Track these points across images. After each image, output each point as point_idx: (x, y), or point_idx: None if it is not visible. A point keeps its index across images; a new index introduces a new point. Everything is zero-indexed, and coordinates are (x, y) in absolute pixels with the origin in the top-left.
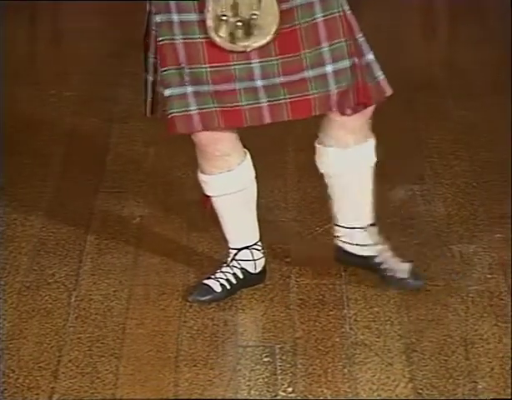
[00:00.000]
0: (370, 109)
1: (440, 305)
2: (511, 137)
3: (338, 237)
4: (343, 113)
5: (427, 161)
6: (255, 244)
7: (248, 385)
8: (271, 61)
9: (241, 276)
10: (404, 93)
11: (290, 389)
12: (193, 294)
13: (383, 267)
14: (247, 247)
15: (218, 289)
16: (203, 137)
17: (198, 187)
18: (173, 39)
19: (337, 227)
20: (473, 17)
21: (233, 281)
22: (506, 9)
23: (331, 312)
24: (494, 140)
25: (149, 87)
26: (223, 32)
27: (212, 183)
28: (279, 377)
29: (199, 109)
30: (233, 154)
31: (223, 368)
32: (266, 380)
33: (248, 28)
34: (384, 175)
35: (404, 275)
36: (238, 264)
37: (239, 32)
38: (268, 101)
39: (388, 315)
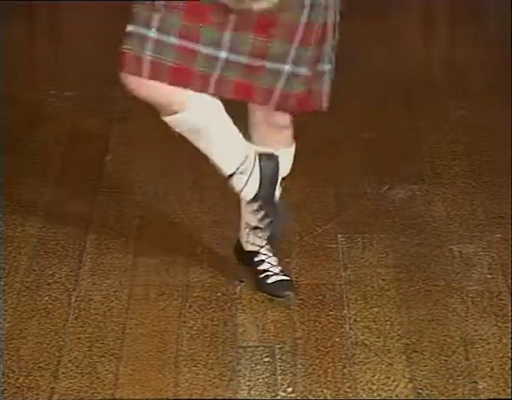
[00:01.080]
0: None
1: (440, 305)
2: (511, 137)
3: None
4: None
5: (426, 161)
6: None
7: (248, 385)
8: (246, 37)
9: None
10: (403, 93)
11: (290, 389)
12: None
13: (259, 268)
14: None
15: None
16: (133, 81)
17: (197, 186)
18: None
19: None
20: (472, 17)
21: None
22: (506, 9)
23: (331, 313)
24: (493, 140)
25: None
26: None
27: (180, 121)
28: (279, 378)
29: (153, 57)
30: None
31: (223, 368)
32: (266, 380)
33: None
34: (384, 175)
35: (272, 281)
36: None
37: None
38: (220, 73)
39: (388, 315)
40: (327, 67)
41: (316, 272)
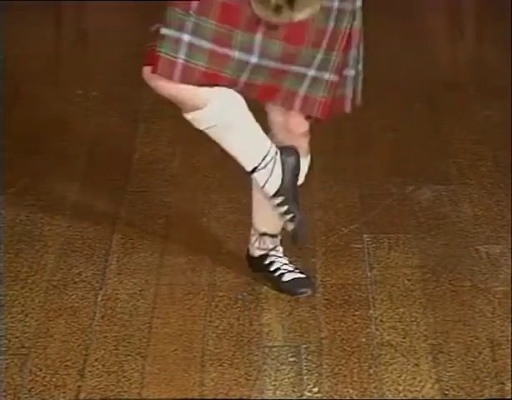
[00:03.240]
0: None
1: (466, 306)
2: None
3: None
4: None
5: (452, 161)
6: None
7: (274, 385)
8: (275, 42)
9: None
10: (429, 93)
11: (316, 389)
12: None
13: (271, 268)
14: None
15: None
16: (160, 80)
17: (224, 187)
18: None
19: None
20: (499, 17)
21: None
22: None
23: (357, 313)
24: None
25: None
26: (268, 1)
27: (203, 116)
28: (305, 378)
29: (186, 60)
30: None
31: (249, 368)
32: (292, 380)
33: (292, 1)
34: (410, 175)
35: (287, 279)
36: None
37: (283, 3)
38: (248, 77)
39: (414, 315)
40: (351, 72)
41: (342, 272)
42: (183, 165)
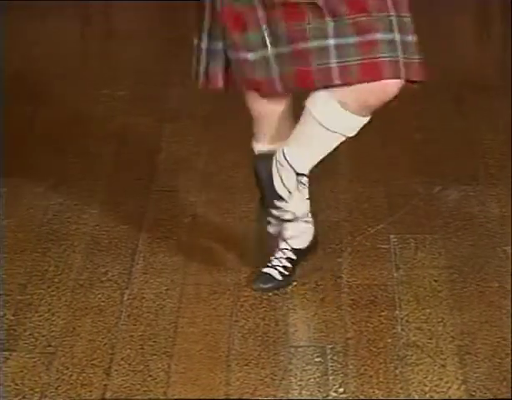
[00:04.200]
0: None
1: (494, 307)
2: None
3: (276, 158)
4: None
5: (480, 161)
6: (302, 216)
7: (300, 385)
8: (343, 20)
9: (294, 257)
10: (456, 93)
11: (341, 390)
12: (255, 282)
13: (277, 213)
14: (294, 220)
15: (279, 277)
16: (262, 109)
17: (249, 186)
18: (250, 2)
19: (281, 151)
20: None
21: (289, 265)
22: None
23: (383, 313)
24: None
25: (203, 55)
26: None
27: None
28: (330, 378)
29: (280, 72)
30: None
31: (275, 368)
32: (317, 380)
33: None
34: (437, 175)
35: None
36: (288, 245)
37: None
38: (338, 62)
39: (440, 316)
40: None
41: (368, 272)
42: (208, 165)
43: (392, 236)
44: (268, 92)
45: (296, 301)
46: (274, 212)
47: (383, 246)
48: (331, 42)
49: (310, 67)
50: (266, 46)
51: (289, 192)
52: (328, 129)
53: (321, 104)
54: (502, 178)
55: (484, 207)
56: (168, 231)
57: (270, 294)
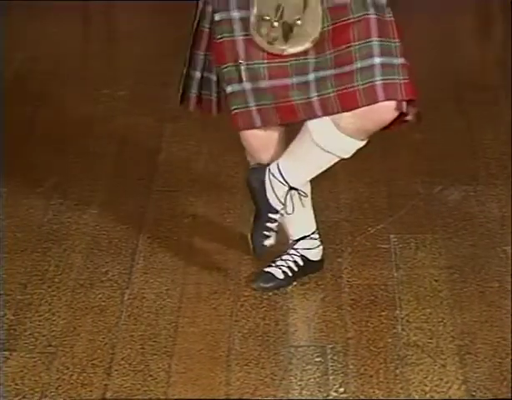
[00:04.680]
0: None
1: (494, 306)
2: None
3: (271, 171)
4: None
5: (480, 161)
6: (312, 233)
7: (300, 385)
8: (326, 55)
9: (301, 263)
10: (456, 93)
11: (342, 389)
12: (256, 281)
13: (268, 225)
14: (304, 237)
15: (281, 276)
16: (255, 143)
17: None
18: (233, 36)
19: (275, 166)
20: None
21: (295, 268)
22: None
23: (383, 313)
24: None
25: (195, 82)
26: (263, 32)
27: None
28: (331, 378)
29: (257, 105)
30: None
31: (275, 368)
32: (317, 380)
33: (288, 33)
34: (437, 175)
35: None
36: (298, 252)
37: (278, 36)
38: (318, 95)
39: (440, 316)
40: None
41: (368, 272)
42: (208, 165)
43: (392, 236)
44: (245, 128)
45: (296, 301)
46: (269, 224)
47: (383, 246)
48: (310, 77)
49: (292, 102)
50: (242, 80)
51: (283, 204)
52: (323, 149)
53: (319, 124)
54: (502, 178)
55: (485, 207)
56: (168, 231)
57: (270, 294)
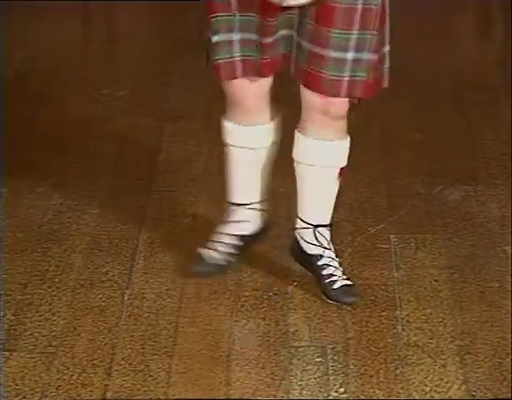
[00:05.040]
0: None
1: (494, 307)
2: None
3: (297, 228)
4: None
5: (480, 161)
6: (252, 204)
7: (300, 385)
8: (306, 22)
9: (239, 243)
10: (456, 93)
11: (342, 390)
12: (193, 267)
13: (324, 272)
14: (243, 205)
15: (221, 261)
16: (238, 90)
17: None
18: None
19: (298, 220)
20: None
21: (233, 251)
22: None
23: (383, 313)
24: None
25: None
26: None
27: (235, 133)
28: (331, 378)
29: (243, 56)
30: (262, 112)
31: (275, 368)
32: (318, 380)
33: None
34: (437, 175)
35: (337, 287)
36: (235, 231)
37: None
38: (296, 60)
39: (441, 316)
40: (387, 48)
41: (368, 272)
42: (208, 165)
43: (392, 236)
44: (227, 78)
45: (296, 301)
46: (325, 272)
47: (383, 246)
48: (294, 34)
49: (277, 55)
50: (232, 30)
51: (318, 245)
52: (308, 164)
53: (297, 146)
54: (502, 178)
55: (485, 207)
56: (168, 230)
57: (270, 294)
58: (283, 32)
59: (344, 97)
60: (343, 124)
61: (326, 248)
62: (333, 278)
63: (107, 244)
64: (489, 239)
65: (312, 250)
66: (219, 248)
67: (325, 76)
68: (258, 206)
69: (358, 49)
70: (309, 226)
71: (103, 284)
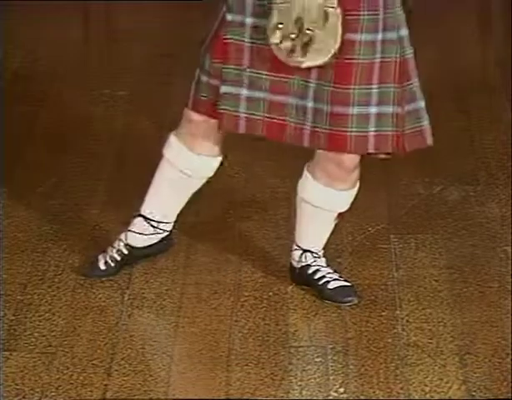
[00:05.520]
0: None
1: (494, 307)
2: None
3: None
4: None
5: (480, 162)
6: (156, 221)
7: (300, 385)
8: (325, 85)
9: (125, 251)
10: (457, 93)
11: (342, 390)
12: (85, 269)
13: (315, 277)
14: (144, 218)
15: (103, 267)
16: (204, 125)
17: (249, 187)
18: (242, 41)
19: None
20: None
21: (117, 257)
22: None
23: (383, 313)
24: None
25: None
26: (282, 43)
27: (177, 151)
28: (331, 378)
29: (248, 114)
30: (214, 145)
31: (275, 368)
32: (317, 380)
33: (307, 45)
34: (437, 175)
35: (332, 287)
36: (124, 238)
37: (296, 48)
38: (313, 126)
39: (441, 316)
40: (420, 104)
41: (368, 272)
42: None
43: (392, 236)
44: (229, 130)
45: (296, 301)
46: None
47: (383, 246)
48: (309, 104)
49: (285, 121)
50: (241, 85)
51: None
52: (313, 205)
53: (305, 184)
54: (502, 178)
55: (485, 207)
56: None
57: (270, 294)
58: (297, 100)
59: (373, 153)
60: (354, 176)
61: (316, 257)
62: (328, 279)
63: (107, 244)
64: (489, 239)
65: (299, 265)
66: (114, 255)
67: (350, 133)
68: (167, 227)
69: (380, 103)
70: (299, 248)
71: (103, 284)
